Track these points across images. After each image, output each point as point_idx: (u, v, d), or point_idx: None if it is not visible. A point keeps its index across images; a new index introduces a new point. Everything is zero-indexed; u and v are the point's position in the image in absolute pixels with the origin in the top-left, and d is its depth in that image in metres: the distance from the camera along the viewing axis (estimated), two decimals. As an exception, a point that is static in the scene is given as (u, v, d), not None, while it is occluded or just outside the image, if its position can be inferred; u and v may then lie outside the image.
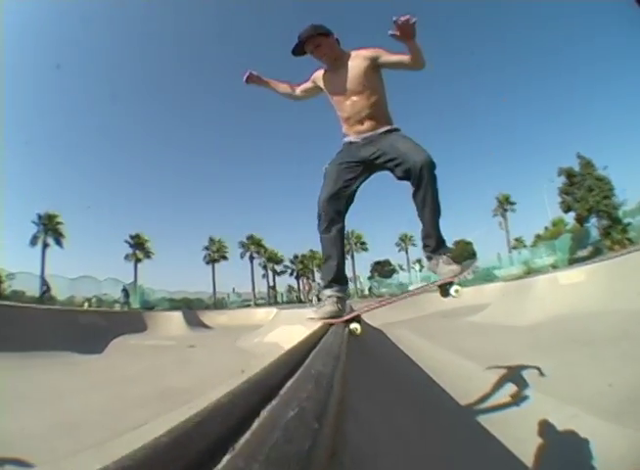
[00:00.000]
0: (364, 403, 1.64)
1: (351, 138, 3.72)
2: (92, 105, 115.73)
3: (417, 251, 70.70)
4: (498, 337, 10.12)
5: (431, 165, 3.29)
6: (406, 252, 68.84)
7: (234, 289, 58.74)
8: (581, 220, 42.90)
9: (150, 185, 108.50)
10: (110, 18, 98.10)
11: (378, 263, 75.50)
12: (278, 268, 65.87)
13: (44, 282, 24.60)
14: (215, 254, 58.86)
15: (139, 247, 52.82)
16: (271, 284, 64.26)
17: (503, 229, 58.96)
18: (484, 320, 13.82)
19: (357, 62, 3.59)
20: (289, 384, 1.07)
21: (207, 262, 58.66)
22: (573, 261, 29.08)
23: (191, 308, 32.62)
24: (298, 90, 4.03)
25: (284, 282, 69.54)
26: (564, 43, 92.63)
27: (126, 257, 52.26)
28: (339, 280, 3.68)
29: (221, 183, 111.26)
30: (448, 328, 14.57)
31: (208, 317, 29.47)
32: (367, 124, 3.63)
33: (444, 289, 3.57)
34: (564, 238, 36.99)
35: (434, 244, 3.58)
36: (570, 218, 47.91)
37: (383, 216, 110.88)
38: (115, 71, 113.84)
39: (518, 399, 4.75)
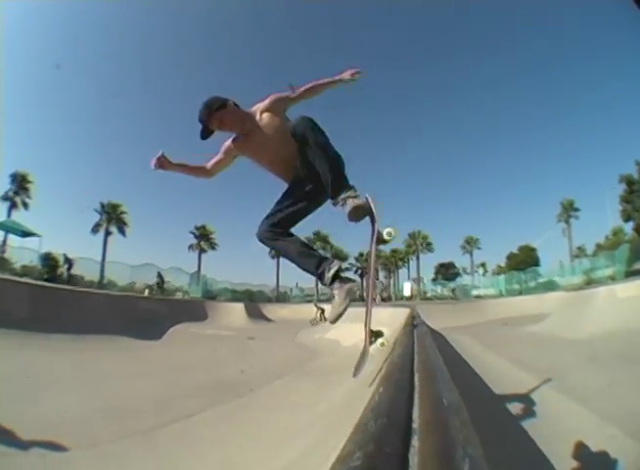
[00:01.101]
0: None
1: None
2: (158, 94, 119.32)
3: (481, 254, 68.60)
4: (555, 349, 9.94)
5: (307, 121, 3.30)
6: (471, 255, 66.91)
7: (297, 284, 59.17)
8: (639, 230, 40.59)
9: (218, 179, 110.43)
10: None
11: (442, 265, 73.87)
12: (343, 265, 65.63)
13: (67, 259, 25.17)
14: (281, 248, 59.32)
15: (204, 238, 54.00)
16: (335, 281, 64.18)
17: (566, 236, 56.52)
18: (543, 331, 13.38)
19: (268, 117, 3.62)
20: (417, 414, 0.91)
21: (273, 257, 59.20)
22: (630, 274, 27.08)
23: (253, 301, 32.81)
24: (211, 166, 3.98)
25: (348, 279, 69.21)
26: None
27: (190, 247, 53.78)
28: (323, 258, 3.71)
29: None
30: (508, 337, 14.11)
31: (270, 310, 29.58)
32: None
33: (379, 238, 3.31)
34: (622, 249, 34.40)
35: (334, 188, 3.35)
36: (630, 228, 46.37)
37: (448, 218, 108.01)
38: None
39: (564, 416, 4.82)
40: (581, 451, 3.63)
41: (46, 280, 22.72)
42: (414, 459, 0.61)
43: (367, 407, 0.86)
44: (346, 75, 3.75)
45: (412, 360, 1.38)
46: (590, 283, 28.85)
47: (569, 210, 56.54)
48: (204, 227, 54.53)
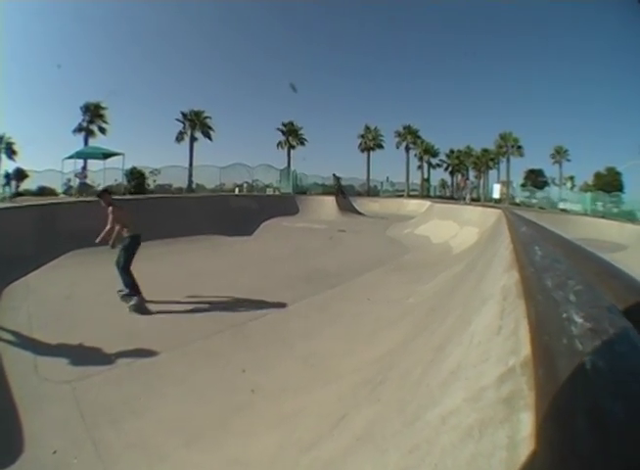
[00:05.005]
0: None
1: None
2: None
3: (570, 166, 64.06)
4: None
5: (117, 267, 6.75)
6: (560, 165, 62.20)
7: (388, 178, 58.31)
8: None
9: (305, 71, 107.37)
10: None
11: (532, 172, 69.54)
12: (433, 161, 63.44)
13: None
14: (371, 142, 57.99)
15: (292, 134, 53.84)
16: (425, 176, 62.65)
17: None
18: (620, 261, 12.50)
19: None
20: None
21: (362, 150, 58.24)
22: None
23: (344, 195, 32.71)
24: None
25: (438, 176, 67.61)
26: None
27: (279, 144, 53.87)
28: None
29: (379, 72, 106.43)
30: None
31: (360, 204, 29.46)
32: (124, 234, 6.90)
33: None
34: None
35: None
36: None
37: (540, 123, 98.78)
38: None
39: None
40: None
41: (133, 193, 23.68)
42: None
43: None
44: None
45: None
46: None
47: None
48: (291, 123, 54.22)
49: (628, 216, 31.10)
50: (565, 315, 1.00)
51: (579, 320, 0.94)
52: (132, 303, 6.38)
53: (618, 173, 62.01)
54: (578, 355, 0.79)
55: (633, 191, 56.11)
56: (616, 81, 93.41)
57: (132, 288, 6.53)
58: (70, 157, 24.67)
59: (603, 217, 26.89)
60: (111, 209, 6.84)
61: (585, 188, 58.00)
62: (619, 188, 54.14)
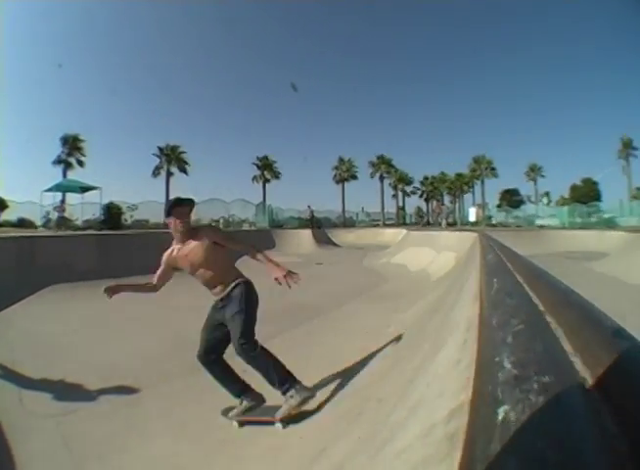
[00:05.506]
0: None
1: (214, 298, 4.22)
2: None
3: (545, 183, 65.58)
4: (611, 292, 9.40)
5: (243, 353, 3.83)
6: (535, 182, 63.99)
7: (363, 208, 58.77)
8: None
9: (277, 106, 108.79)
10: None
11: (507, 192, 71.12)
12: (408, 189, 64.53)
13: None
14: (345, 173, 58.77)
15: (267, 168, 54.35)
16: (400, 205, 63.45)
17: (625, 174, 54.62)
18: (602, 270, 12.95)
19: (200, 240, 4.00)
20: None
21: (337, 182, 58.93)
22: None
23: (319, 227, 32.93)
24: (157, 280, 4.23)
25: (413, 203, 68.52)
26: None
27: (254, 178, 54.33)
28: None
29: (352, 104, 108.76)
30: (569, 272, 13.54)
31: (337, 235, 29.83)
32: (218, 288, 4.11)
33: None
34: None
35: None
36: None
37: (514, 141, 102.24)
38: None
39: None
40: None
41: (110, 228, 23.45)
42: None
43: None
44: (281, 277, 4.03)
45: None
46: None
47: (628, 147, 54.48)
48: (266, 158, 54.81)
49: (608, 224, 31.61)
50: (497, 359, 0.99)
51: (507, 366, 0.92)
52: (296, 400, 3.96)
53: (595, 183, 63.57)
54: (495, 405, 0.78)
55: (612, 198, 57.78)
56: (589, 89, 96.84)
57: (283, 375, 4.12)
58: (50, 189, 24.75)
59: (581, 228, 27.33)
60: (226, 236, 4.25)
61: (562, 202, 59.27)
62: (597, 198, 55.47)
